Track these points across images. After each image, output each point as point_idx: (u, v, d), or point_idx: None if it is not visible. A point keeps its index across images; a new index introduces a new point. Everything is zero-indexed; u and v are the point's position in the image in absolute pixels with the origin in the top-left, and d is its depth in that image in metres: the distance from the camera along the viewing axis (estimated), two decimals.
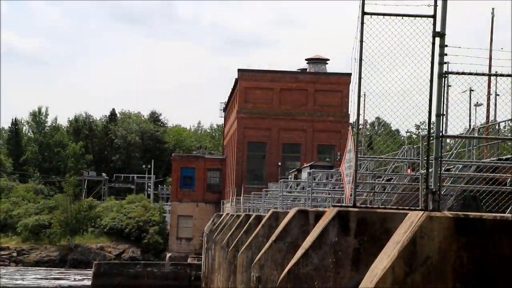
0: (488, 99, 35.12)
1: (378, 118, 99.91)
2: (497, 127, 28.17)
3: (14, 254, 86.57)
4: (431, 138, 9.69)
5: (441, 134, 9.55)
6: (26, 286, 66.51)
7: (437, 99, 9.48)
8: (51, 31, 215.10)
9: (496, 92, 36.58)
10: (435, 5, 9.76)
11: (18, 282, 69.38)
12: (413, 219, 9.36)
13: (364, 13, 11.13)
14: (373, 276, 9.37)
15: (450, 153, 21.31)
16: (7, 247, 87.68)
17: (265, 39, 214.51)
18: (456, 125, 10.34)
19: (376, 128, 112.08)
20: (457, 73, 9.67)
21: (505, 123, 28.81)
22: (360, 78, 11.04)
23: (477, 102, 35.02)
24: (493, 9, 40.07)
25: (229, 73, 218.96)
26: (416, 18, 10.21)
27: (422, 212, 9.36)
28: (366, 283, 9.48)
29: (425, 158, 9.64)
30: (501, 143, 24.37)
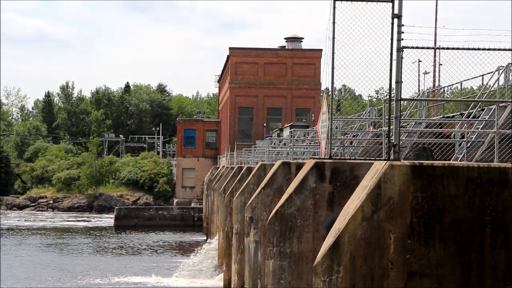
0: (434, 68, 35.11)
1: (344, 85, 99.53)
2: (441, 91, 28.18)
3: (51, 202, 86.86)
4: (392, 101, 9.66)
5: (400, 97, 9.53)
6: (62, 227, 66.62)
7: (396, 69, 9.45)
8: (76, 18, 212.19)
9: (439, 62, 36.56)
10: None
11: (56, 224, 69.48)
12: (378, 167, 9.36)
13: None
14: (346, 214, 9.39)
15: (404, 113, 21.31)
16: (44, 196, 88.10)
17: (250, 22, 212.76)
18: (407, 90, 10.28)
19: (342, 93, 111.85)
20: (412, 47, 9.64)
21: (448, 88, 28.81)
22: (333, 53, 10.98)
23: (425, 71, 34.97)
24: None
25: (221, 51, 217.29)
26: (378, 2, 10.11)
27: (385, 161, 9.35)
28: (340, 219, 9.50)
29: (387, 118, 9.61)
30: (444, 104, 24.40)
